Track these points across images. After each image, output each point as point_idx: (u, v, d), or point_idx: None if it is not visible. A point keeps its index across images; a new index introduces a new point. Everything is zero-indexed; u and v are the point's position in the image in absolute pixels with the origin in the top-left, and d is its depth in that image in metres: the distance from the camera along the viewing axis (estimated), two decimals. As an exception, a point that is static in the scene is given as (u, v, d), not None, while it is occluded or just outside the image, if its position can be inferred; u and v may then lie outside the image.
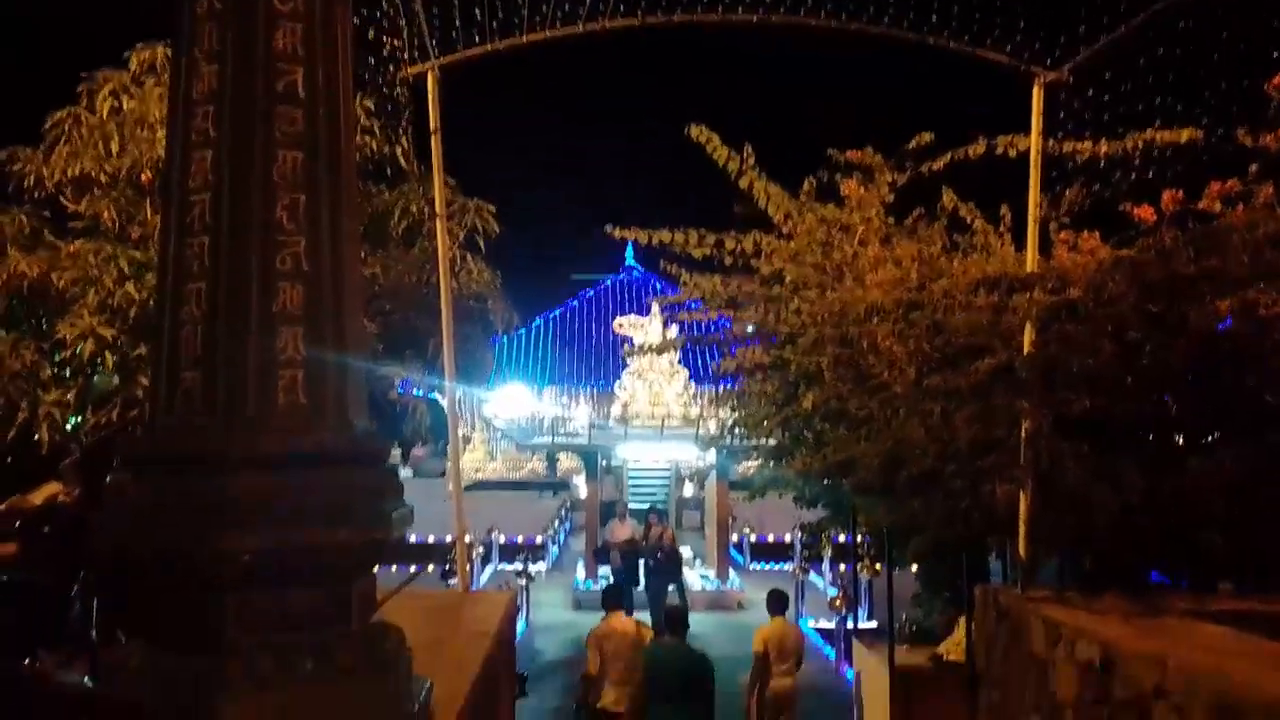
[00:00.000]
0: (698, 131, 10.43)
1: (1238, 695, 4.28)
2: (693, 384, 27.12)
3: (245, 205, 3.35)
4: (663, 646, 8.53)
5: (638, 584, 16.96)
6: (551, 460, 33.08)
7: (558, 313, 39.84)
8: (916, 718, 7.97)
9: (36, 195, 10.06)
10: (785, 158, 11.47)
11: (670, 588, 16.72)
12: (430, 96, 7.71)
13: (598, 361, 37.15)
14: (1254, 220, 6.44)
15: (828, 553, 18.32)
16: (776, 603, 10.11)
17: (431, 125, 7.86)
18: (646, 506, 21.88)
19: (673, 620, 8.72)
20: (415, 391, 11.28)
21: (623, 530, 18.34)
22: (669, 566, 17.09)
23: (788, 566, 20.35)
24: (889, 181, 10.23)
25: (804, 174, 10.80)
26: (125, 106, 10.05)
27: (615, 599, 9.68)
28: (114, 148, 9.80)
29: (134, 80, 10.24)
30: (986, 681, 7.37)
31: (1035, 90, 7.45)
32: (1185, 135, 7.27)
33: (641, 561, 17.58)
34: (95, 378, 8.96)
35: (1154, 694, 4.86)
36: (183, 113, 3.47)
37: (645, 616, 11.16)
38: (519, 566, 18.53)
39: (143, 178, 9.78)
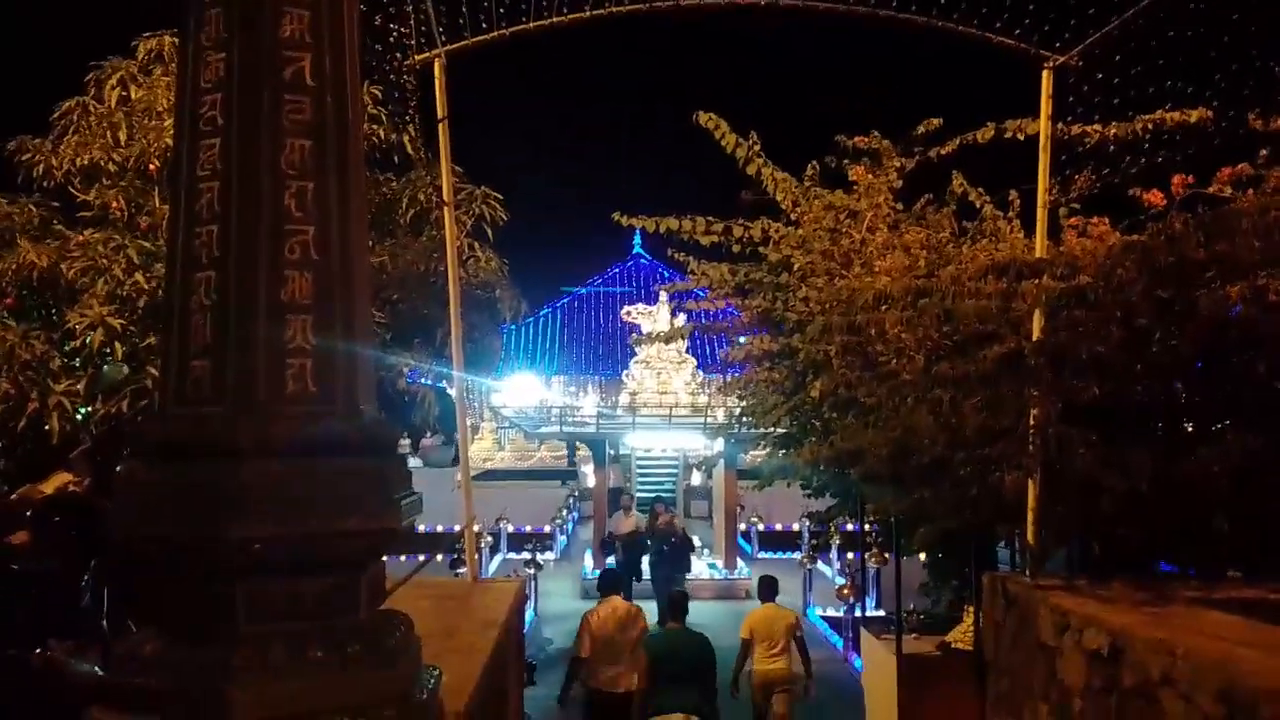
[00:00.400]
0: (706, 118, 10.41)
1: (1245, 683, 4.27)
2: (700, 373, 27.16)
3: (253, 194, 3.35)
4: (666, 632, 8.68)
5: (639, 578, 17.04)
6: (571, 449, 33.12)
7: (566, 301, 39.89)
8: (925, 706, 7.97)
9: (45, 185, 10.08)
10: (792, 142, 11.45)
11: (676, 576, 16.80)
12: (437, 84, 7.70)
13: (606, 350, 37.22)
14: (1265, 205, 6.40)
15: (836, 542, 18.36)
16: (766, 589, 10.38)
17: (439, 113, 7.85)
18: (653, 496, 21.89)
19: (675, 605, 8.86)
20: (423, 381, 11.28)
21: (627, 523, 18.46)
22: (678, 555, 17.16)
23: (796, 555, 20.36)
24: (897, 167, 10.20)
25: (811, 158, 10.79)
26: (133, 95, 10.06)
27: (612, 584, 9.87)
28: (122, 137, 9.81)
29: (141, 69, 10.25)
30: (995, 669, 7.37)
31: (1044, 75, 7.41)
32: (1195, 116, 7.24)
33: (646, 554, 17.70)
34: (105, 367, 8.98)
35: (1162, 682, 4.86)
36: (190, 101, 3.46)
37: (651, 605, 11.18)
38: (527, 556, 18.58)
39: (151, 167, 9.79)
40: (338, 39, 3.55)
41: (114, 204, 9.68)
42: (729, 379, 12.70)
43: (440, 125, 7.91)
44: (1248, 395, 6.88)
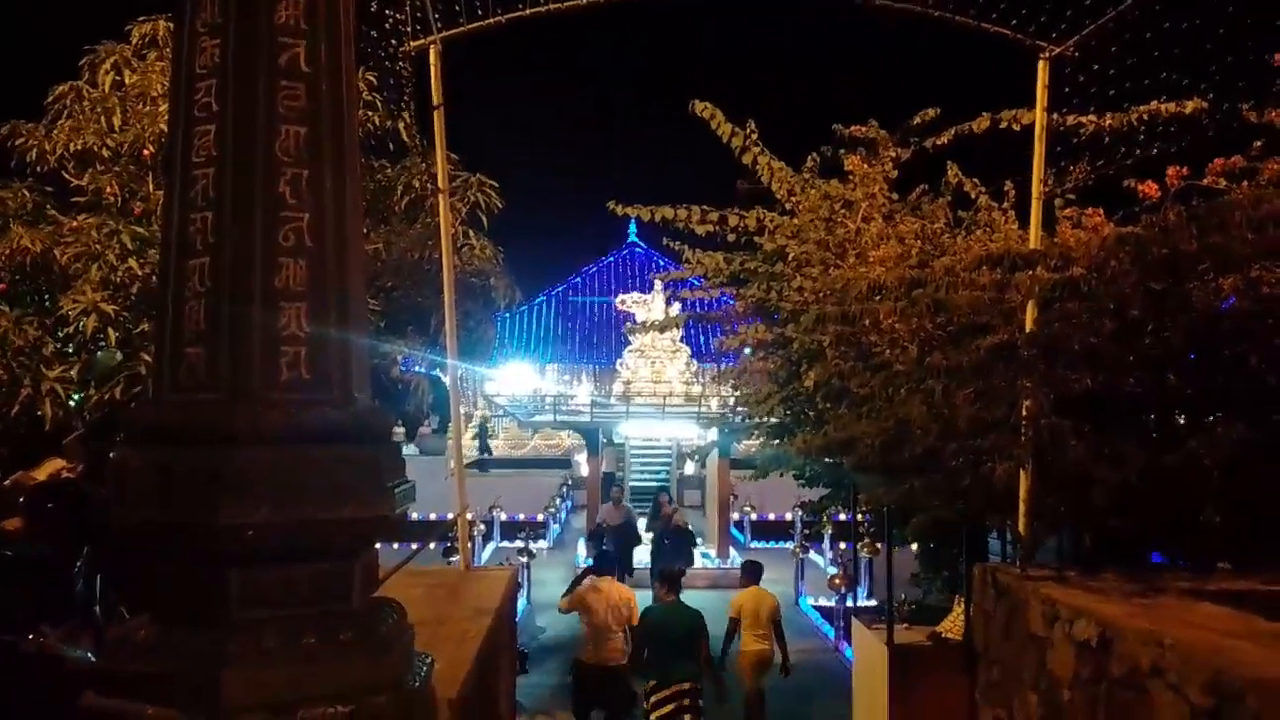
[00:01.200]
0: (702, 107, 10.39)
1: (1234, 674, 4.30)
2: (695, 362, 27.15)
3: (248, 180, 3.35)
4: (664, 605, 9.02)
5: (630, 570, 17.28)
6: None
7: (560, 289, 39.84)
8: (915, 695, 8.01)
9: (39, 170, 10.05)
10: (788, 129, 11.45)
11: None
12: (432, 71, 7.68)
13: (600, 339, 37.20)
14: (1258, 197, 6.41)
15: (828, 531, 18.41)
16: (750, 573, 10.81)
17: (434, 100, 7.84)
18: (646, 485, 21.93)
19: (669, 581, 9.19)
20: (418, 369, 11.27)
21: (616, 513, 18.63)
22: (679, 547, 17.38)
23: (788, 545, 20.41)
24: (892, 157, 10.20)
25: (806, 146, 10.80)
26: (127, 80, 10.02)
27: (604, 565, 10.27)
28: (116, 122, 9.78)
29: (136, 54, 10.21)
30: (985, 660, 7.41)
31: (1040, 65, 7.42)
32: (1190, 107, 7.24)
33: (636, 545, 17.89)
34: (98, 354, 8.97)
35: (1151, 672, 4.89)
36: (185, 87, 3.45)
37: (647, 594, 11.32)
38: (520, 544, 18.60)
39: (145, 152, 9.76)
40: (333, 25, 3.54)
41: (108, 189, 9.65)
42: (723, 368, 12.70)
43: (435, 112, 7.90)
44: (1239, 387, 6.91)
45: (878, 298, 7.66)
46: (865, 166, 10.13)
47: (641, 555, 18.41)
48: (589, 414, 24.81)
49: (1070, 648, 5.84)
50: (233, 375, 3.30)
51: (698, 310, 12.78)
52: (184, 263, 3.38)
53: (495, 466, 30.46)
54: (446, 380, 9.81)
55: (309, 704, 3.21)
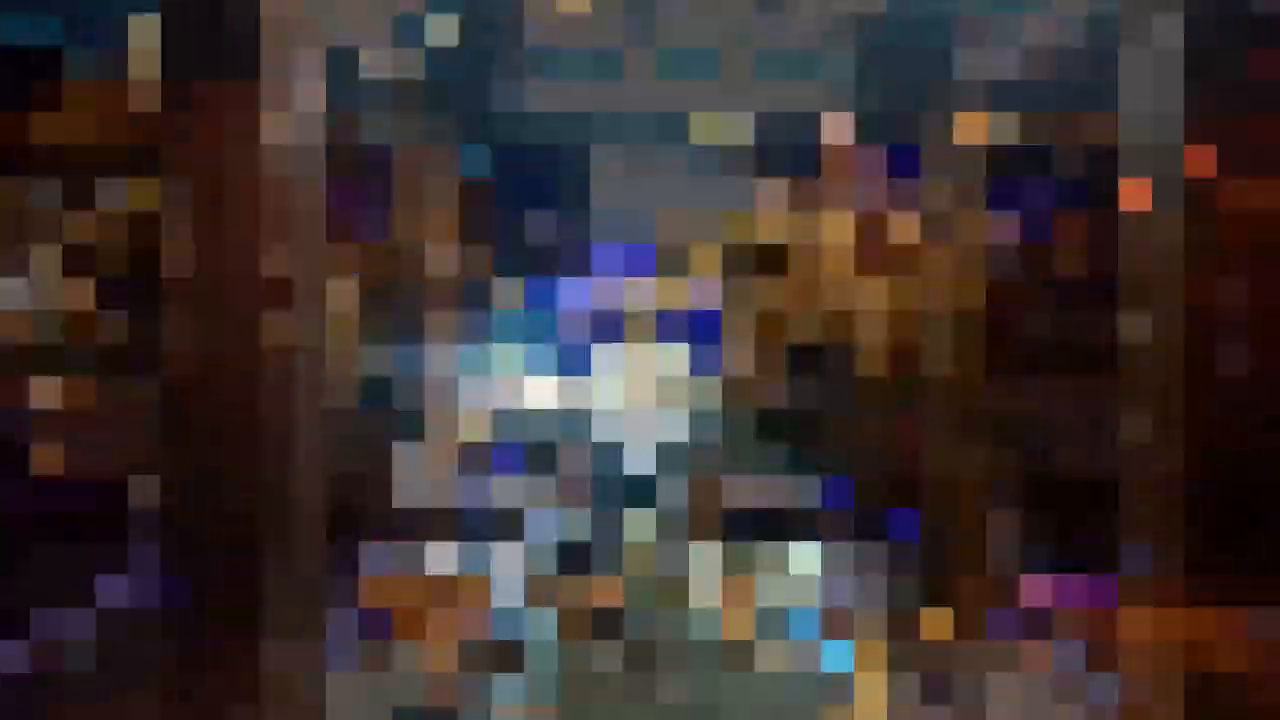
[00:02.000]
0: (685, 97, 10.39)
1: (1214, 668, 4.31)
2: (686, 356, 27.19)
3: (238, 174, 3.33)
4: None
5: None
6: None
7: (550, 279, 39.80)
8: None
9: (30, 165, 10.01)
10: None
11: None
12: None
13: (592, 329, 37.17)
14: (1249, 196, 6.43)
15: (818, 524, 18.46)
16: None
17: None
18: (642, 480, 21.94)
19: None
20: (411, 362, 11.29)
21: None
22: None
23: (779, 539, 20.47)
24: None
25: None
26: (118, 78, 9.99)
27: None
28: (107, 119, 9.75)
29: (126, 51, 10.18)
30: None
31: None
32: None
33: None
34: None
35: (1140, 673, 4.90)
36: (174, 83, 3.43)
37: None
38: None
39: (136, 147, 9.74)
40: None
41: (98, 184, 9.63)
42: (715, 360, 12.73)
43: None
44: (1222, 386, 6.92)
45: (865, 293, 7.65)
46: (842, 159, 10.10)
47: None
48: (578, 409, 24.84)
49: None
50: (217, 369, 3.29)
51: (690, 301, 12.78)
52: (173, 258, 3.37)
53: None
54: (438, 375, 9.83)
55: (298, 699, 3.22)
